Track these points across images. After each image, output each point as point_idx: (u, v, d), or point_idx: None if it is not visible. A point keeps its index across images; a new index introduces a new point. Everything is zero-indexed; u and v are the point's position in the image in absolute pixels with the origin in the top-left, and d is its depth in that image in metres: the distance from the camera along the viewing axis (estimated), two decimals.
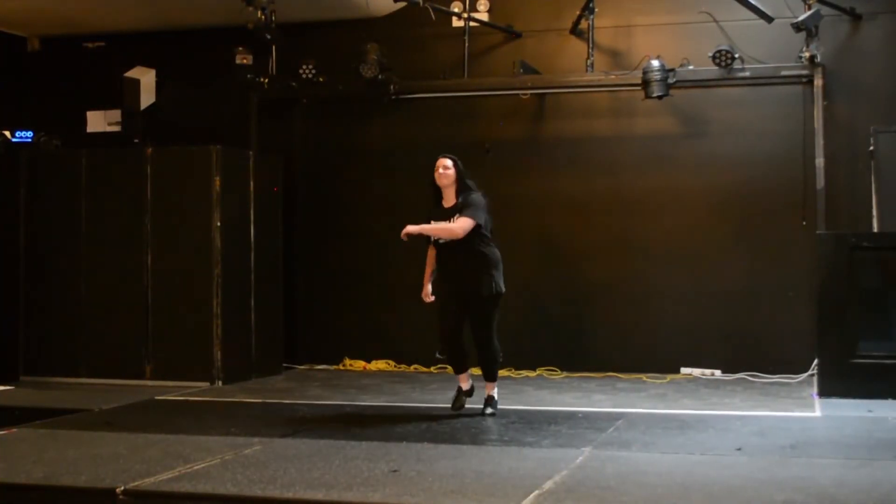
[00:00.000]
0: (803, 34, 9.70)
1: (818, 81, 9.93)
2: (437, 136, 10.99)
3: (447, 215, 7.71)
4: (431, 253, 7.94)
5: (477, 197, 7.73)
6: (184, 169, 10.28)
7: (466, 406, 8.09)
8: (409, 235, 7.63)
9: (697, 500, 5.21)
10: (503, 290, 7.81)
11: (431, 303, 8.00)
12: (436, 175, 7.82)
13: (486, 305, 7.74)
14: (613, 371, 10.51)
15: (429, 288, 7.99)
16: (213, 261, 10.06)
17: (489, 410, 7.95)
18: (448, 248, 7.72)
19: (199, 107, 11.71)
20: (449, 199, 7.82)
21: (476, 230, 7.63)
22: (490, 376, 8.02)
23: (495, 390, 8.08)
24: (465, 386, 8.07)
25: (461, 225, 7.57)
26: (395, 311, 11.13)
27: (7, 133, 11.26)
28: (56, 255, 10.52)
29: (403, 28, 11.19)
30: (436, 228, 7.64)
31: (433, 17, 10.66)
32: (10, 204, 10.70)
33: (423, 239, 7.82)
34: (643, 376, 10.23)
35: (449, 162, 7.82)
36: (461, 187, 7.80)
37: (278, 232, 11.05)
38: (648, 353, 10.59)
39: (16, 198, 10.66)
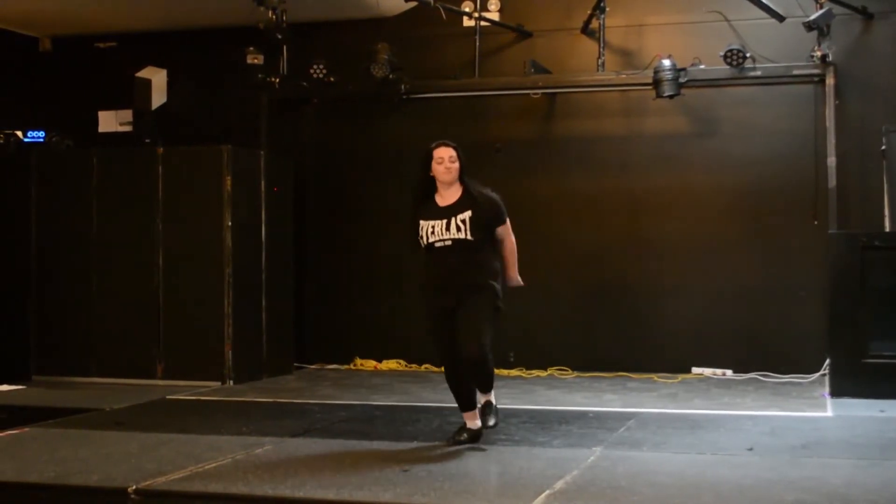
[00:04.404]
0: (815, 33, 9.67)
1: (830, 80, 9.91)
2: (447, 136, 10.88)
3: (444, 214, 6.44)
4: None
5: (497, 196, 6.60)
6: (195, 169, 10.29)
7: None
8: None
9: (708, 499, 5.20)
10: (502, 307, 6.55)
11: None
12: (438, 169, 6.48)
13: (487, 313, 6.40)
14: (624, 371, 10.50)
15: None
16: (224, 260, 10.08)
17: (491, 422, 6.59)
18: (447, 254, 6.44)
19: (210, 107, 11.73)
20: (447, 197, 6.52)
21: (492, 236, 6.57)
22: (486, 388, 6.57)
23: (493, 395, 6.64)
24: (475, 423, 6.65)
25: (511, 239, 6.63)
26: (406, 310, 11.12)
27: (19, 133, 11.29)
28: (67, 254, 10.54)
29: (414, 28, 11.19)
30: (514, 261, 6.69)
31: (444, 16, 10.67)
32: (22, 203, 10.72)
33: (411, 238, 6.57)
34: (654, 376, 10.22)
35: (453, 152, 6.51)
36: (464, 183, 6.53)
37: (289, 231, 11.06)
38: (659, 353, 10.57)
39: (27, 197, 10.68)
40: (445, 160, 6.47)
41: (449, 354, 6.49)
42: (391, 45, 10.72)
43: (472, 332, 6.32)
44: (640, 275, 10.76)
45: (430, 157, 6.52)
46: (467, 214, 6.42)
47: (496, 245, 6.61)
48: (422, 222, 6.49)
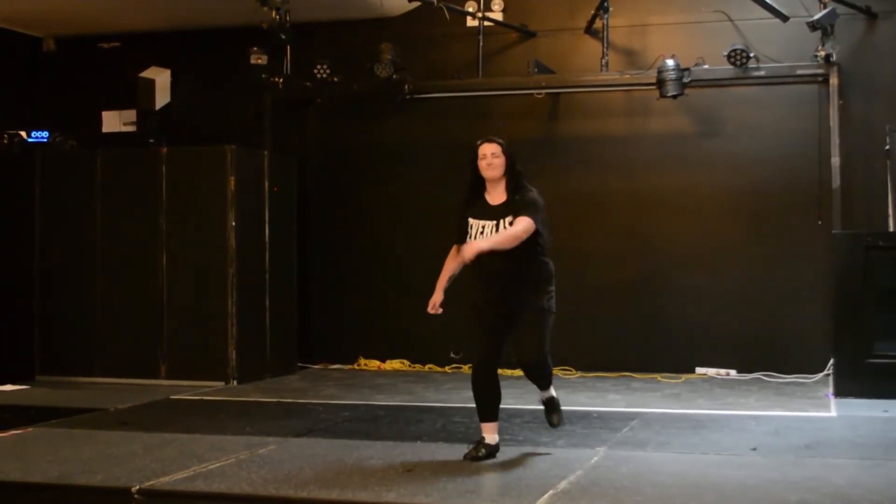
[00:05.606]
0: (819, 33, 9.68)
1: (833, 80, 9.90)
2: (451, 136, 10.98)
3: (494, 215, 6.24)
4: (455, 259, 6.39)
5: (536, 196, 6.31)
6: (199, 169, 10.30)
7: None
8: (477, 255, 6.04)
9: (711, 499, 5.20)
10: (554, 311, 6.43)
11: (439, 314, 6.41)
12: (481, 165, 6.30)
13: (542, 318, 6.31)
14: (628, 371, 10.49)
15: (440, 297, 6.39)
16: (228, 260, 10.08)
17: (556, 420, 6.65)
18: (495, 256, 6.11)
19: (213, 107, 11.73)
20: (497, 196, 6.31)
21: (534, 236, 6.21)
22: (545, 385, 6.58)
23: (553, 390, 6.66)
24: (492, 438, 6.36)
25: (524, 227, 6.12)
26: (410, 310, 11.10)
27: (23, 133, 11.30)
28: (71, 254, 10.55)
29: (418, 28, 11.18)
30: (500, 240, 6.11)
31: (447, 16, 10.66)
32: (26, 204, 10.72)
33: (458, 235, 6.36)
34: (658, 376, 10.21)
35: (497, 148, 6.33)
36: (513, 180, 6.34)
37: (293, 231, 11.07)
38: (663, 353, 10.56)
39: (31, 198, 10.70)
40: (488, 156, 6.29)
41: (486, 355, 6.26)
42: (395, 45, 10.71)
43: (532, 342, 6.23)
44: (643, 275, 10.75)
45: (476, 155, 6.37)
46: (512, 218, 6.20)
47: (540, 246, 6.33)
48: (472, 220, 6.30)
